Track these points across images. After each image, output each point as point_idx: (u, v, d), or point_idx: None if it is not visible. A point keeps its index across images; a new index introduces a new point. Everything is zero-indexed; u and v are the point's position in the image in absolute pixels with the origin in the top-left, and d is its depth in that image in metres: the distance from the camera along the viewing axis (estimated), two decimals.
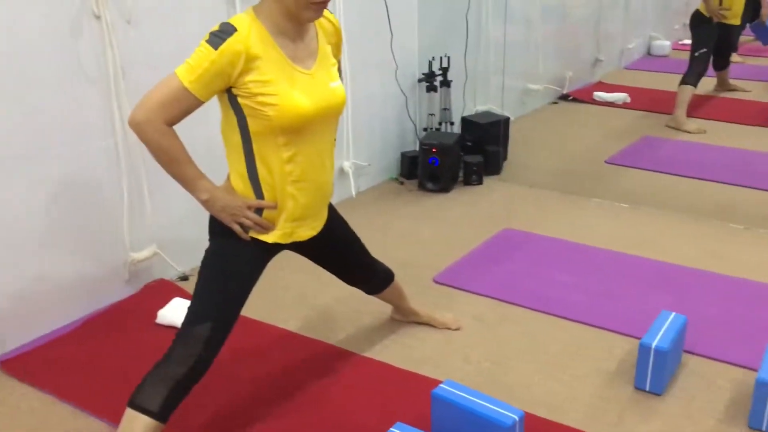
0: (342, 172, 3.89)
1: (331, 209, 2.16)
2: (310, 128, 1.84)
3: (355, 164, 3.92)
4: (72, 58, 2.57)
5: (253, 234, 1.91)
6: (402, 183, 4.23)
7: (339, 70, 2.11)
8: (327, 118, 1.91)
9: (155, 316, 2.72)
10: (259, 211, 1.89)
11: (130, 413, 1.77)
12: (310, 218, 1.99)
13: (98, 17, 2.60)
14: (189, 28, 2.86)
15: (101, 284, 2.83)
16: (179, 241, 3.05)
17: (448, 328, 2.68)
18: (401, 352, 2.54)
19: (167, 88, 1.71)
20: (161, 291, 2.92)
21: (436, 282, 3.04)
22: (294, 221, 1.94)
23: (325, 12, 1.92)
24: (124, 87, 2.72)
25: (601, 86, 6.41)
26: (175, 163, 1.78)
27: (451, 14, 4.49)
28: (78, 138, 2.64)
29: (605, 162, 4.58)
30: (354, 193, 3.92)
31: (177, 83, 1.70)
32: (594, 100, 6.01)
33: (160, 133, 1.72)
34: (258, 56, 1.72)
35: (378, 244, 3.37)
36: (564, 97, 6.08)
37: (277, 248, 1.99)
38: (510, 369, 2.44)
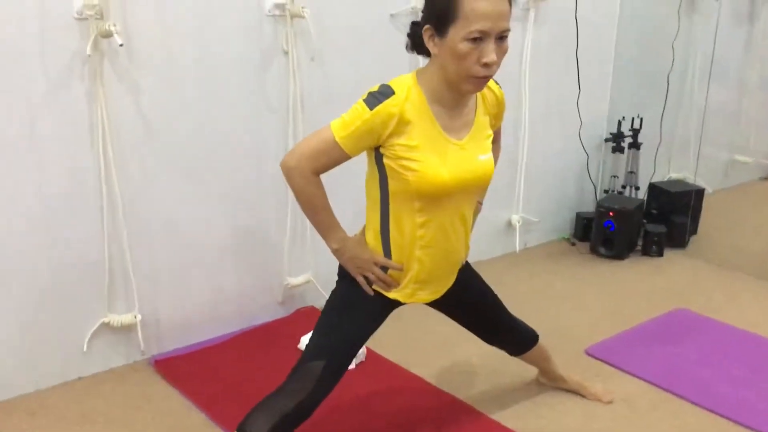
0: (509, 225, 3.79)
1: (466, 269, 2.10)
2: (447, 198, 1.82)
3: (523, 218, 3.81)
4: (259, 88, 2.76)
5: (376, 288, 1.92)
6: (573, 244, 4.03)
7: (497, 135, 2.06)
8: (468, 190, 1.87)
9: (300, 341, 2.80)
10: (385, 268, 1.90)
11: None
12: (434, 283, 1.96)
13: (286, 53, 2.77)
14: (366, 68, 2.97)
15: (257, 303, 2.97)
16: (332, 272, 3.11)
17: (599, 400, 2.49)
18: (534, 421, 2.38)
19: (320, 139, 1.77)
20: (310, 317, 3.00)
21: (588, 354, 2.83)
22: (417, 283, 1.93)
23: (490, 82, 1.88)
24: (301, 118, 2.87)
25: None
26: (314, 209, 1.84)
27: (650, 73, 4.25)
28: (254, 161, 2.82)
29: None
30: (518, 248, 3.79)
31: (329, 136, 1.75)
32: None
33: (305, 181, 1.79)
34: (410, 121, 1.73)
35: (534, 305, 3.24)
36: None
37: (399, 303, 1.98)
38: None
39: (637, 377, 2.66)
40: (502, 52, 1.70)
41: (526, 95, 3.60)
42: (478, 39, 1.64)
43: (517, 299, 3.25)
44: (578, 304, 3.29)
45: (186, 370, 2.64)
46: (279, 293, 3.02)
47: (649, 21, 4.19)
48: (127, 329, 2.63)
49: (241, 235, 2.86)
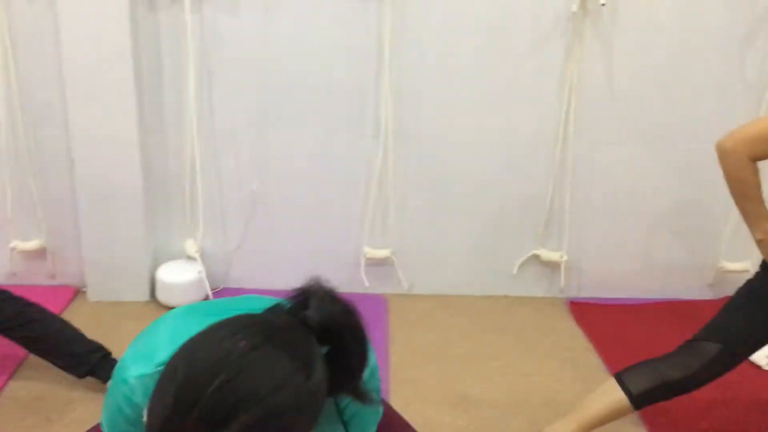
0: None
1: None
2: None
3: None
4: (738, 63, 2.65)
5: None
6: None
7: None
8: None
9: None
10: None
11: (611, 383, 1.91)
12: None
13: None
14: None
15: (685, 278, 2.95)
16: None
17: None
18: None
19: (763, 125, 1.69)
20: None
21: None
22: None
23: None
24: None
25: None
26: (744, 196, 1.76)
27: None
28: (707, 137, 2.75)
29: None
30: None
31: None
32: None
33: (740, 166, 1.72)
34: None
35: None
36: None
37: None
38: None
39: None
40: None
41: None
42: None
43: None
44: None
45: (597, 317, 2.80)
46: (710, 275, 2.93)
47: None
48: (552, 266, 2.90)
49: (682, 209, 2.85)
